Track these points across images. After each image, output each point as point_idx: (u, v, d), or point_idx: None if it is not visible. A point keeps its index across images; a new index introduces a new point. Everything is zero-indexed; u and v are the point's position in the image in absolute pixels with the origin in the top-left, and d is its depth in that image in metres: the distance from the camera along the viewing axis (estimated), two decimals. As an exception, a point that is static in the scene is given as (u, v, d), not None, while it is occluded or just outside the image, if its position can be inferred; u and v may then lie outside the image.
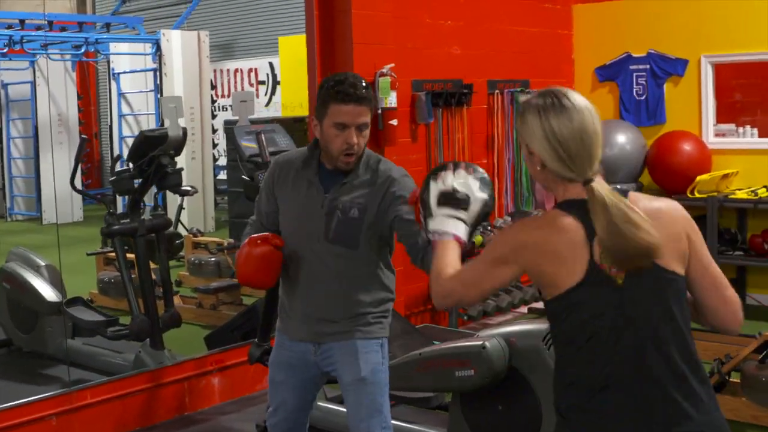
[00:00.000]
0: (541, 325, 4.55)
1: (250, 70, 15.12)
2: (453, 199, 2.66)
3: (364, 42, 6.35)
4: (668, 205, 2.38)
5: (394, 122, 6.41)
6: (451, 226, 2.61)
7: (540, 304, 7.78)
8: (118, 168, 6.24)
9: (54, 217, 13.36)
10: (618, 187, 2.53)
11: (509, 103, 7.80)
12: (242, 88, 15.20)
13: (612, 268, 2.25)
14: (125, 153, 6.57)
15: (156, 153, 5.82)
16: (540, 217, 2.41)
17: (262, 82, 14.90)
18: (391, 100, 6.38)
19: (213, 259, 8.91)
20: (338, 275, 3.40)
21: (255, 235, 3.43)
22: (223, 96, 15.41)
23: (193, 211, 12.45)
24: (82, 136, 7.33)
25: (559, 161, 2.31)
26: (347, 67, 6.30)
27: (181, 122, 6.01)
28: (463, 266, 2.50)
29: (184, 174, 12.63)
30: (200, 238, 9.30)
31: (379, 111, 6.35)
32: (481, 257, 2.41)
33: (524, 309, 7.74)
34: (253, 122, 8.67)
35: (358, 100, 3.24)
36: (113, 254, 6.66)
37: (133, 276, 6.11)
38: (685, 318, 2.33)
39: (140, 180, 5.94)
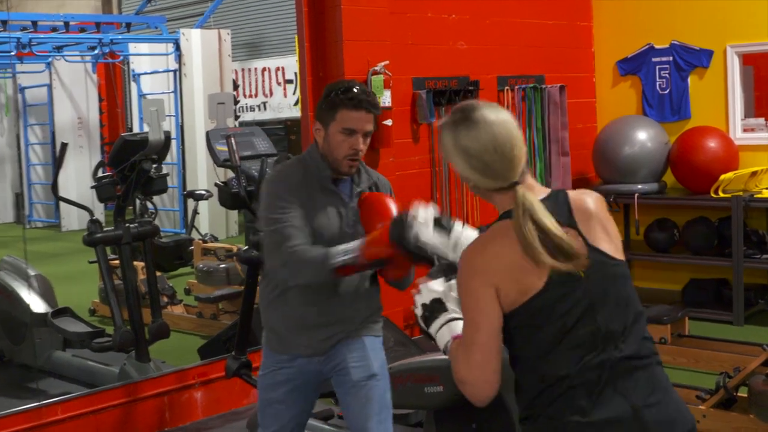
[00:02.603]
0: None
1: (277, 69, 15.12)
2: (441, 305, 2.64)
3: (356, 39, 6.28)
4: (598, 198, 2.52)
5: (389, 122, 6.34)
6: (453, 331, 2.57)
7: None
8: (101, 174, 6.24)
9: (73, 224, 13.53)
10: (557, 189, 2.53)
11: (521, 100, 7.66)
12: (270, 88, 15.23)
13: (567, 263, 2.34)
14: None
15: (137, 158, 5.83)
16: (481, 236, 2.48)
17: (290, 81, 14.89)
18: (385, 99, 6.30)
19: (222, 266, 8.87)
20: (351, 281, 3.51)
21: None
22: (250, 96, 15.44)
23: (215, 216, 12.51)
24: (63, 141, 7.32)
25: (478, 173, 2.42)
26: (338, 65, 6.24)
27: (165, 126, 6.01)
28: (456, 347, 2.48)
29: (203, 177, 12.71)
30: (210, 244, 9.28)
31: (372, 111, 6.26)
32: (465, 324, 2.42)
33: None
34: (262, 124, 8.62)
35: (368, 107, 3.41)
36: (116, 262, 6.70)
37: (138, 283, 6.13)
38: (636, 299, 2.47)
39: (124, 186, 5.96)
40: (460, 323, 2.50)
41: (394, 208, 3.44)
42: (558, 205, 2.42)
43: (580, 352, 2.36)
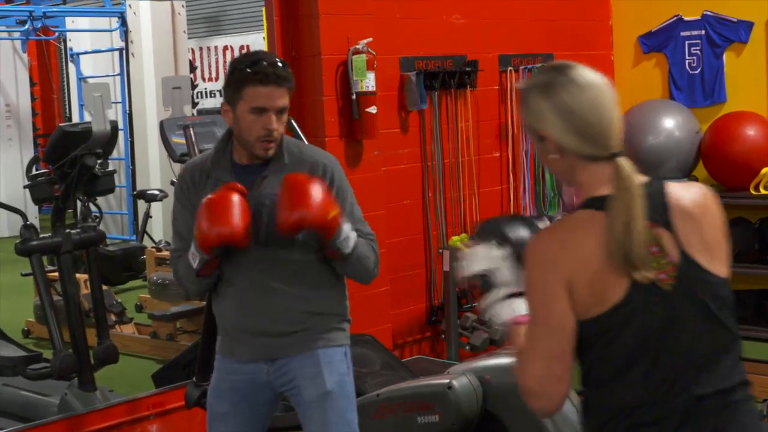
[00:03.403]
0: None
1: (241, 48, 15.13)
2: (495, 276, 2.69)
3: (334, 12, 6.34)
4: (713, 205, 2.54)
5: (373, 110, 6.38)
6: (514, 311, 2.62)
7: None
8: (35, 171, 6.27)
9: (2, 230, 13.54)
10: (655, 178, 2.53)
11: (527, 83, 7.73)
12: (233, 69, 15.25)
13: (660, 273, 2.36)
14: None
15: (79, 152, 5.87)
16: (558, 223, 2.52)
17: (257, 61, 14.93)
18: (369, 82, 6.35)
19: (179, 278, 8.91)
20: (283, 282, 3.59)
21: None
22: (209, 79, 15.47)
23: (170, 220, 12.52)
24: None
25: (577, 136, 2.45)
26: (313, 43, 6.30)
27: (110, 114, 6.05)
28: (519, 352, 2.52)
29: (155, 175, 12.75)
30: (165, 253, 9.31)
31: (354, 96, 6.33)
32: (529, 323, 2.46)
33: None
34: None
35: (277, 80, 3.48)
36: (55, 274, 6.73)
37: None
38: (731, 317, 2.47)
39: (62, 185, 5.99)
40: (520, 302, 2.55)
41: (316, 201, 3.41)
42: (653, 196, 2.43)
43: (656, 380, 2.38)
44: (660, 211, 2.41)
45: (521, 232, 2.74)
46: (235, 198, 3.43)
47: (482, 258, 2.68)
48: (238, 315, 3.68)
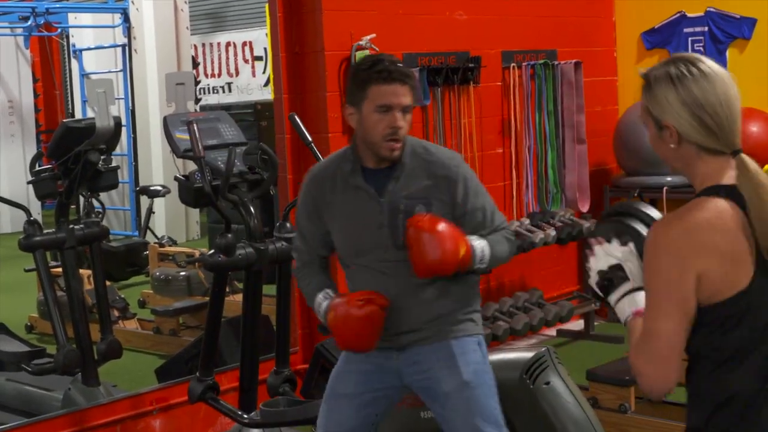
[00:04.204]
0: (523, 354, 4.52)
1: (244, 44, 15.18)
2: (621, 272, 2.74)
3: (337, 8, 6.35)
4: None
5: (376, 105, 6.38)
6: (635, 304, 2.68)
7: (570, 325, 7.73)
8: (39, 167, 6.28)
9: (6, 226, 13.56)
10: None
11: (530, 79, 7.74)
12: (235, 66, 15.29)
13: None
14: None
15: (82, 148, 5.88)
16: (683, 210, 2.52)
17: (259, 58, 14.94)
18: (372, 78, 6.34)
19: (182, 273, 8.91)
20: (418, 282, 3.65)
21: (355, 294, 3.64)
22: (212, 75, 15.50)
23: (173, 215, 12.56)
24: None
25: (704, 130, 2.49)
26: (316, 39, 6.31)
27: (113, 110, 6.06)
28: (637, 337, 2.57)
29: (158, 171, 12.77)
30: (167, 249, 9.34)
31: (357, 92, 6.33)
32: (649, 308, 2.50)
33: (549, 331, 7.69)
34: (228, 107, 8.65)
35: (401, 77, 3.55)
36: (58, 270, 6.74)
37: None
38: None
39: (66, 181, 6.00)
40: (642, 294, 2.59)
41: (441, 241, 3.51)
42: None
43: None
44: None
45: (639, 226, 2.86)
46: (377, 317, 3.57)
47: (607, 256, 2.73)
48: None
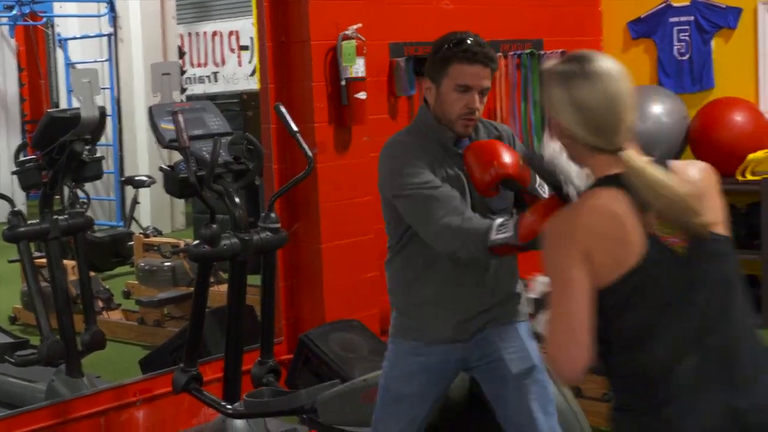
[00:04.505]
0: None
1: (230, 33, 15.10)
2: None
3: (323, -3, 6.33)
4: (704, 169, 2.71)
5: (362, 95, 6.37)
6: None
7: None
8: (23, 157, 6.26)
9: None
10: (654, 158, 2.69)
11: (515, 69, 7.72)
12: (221, 55, 15.22)
13: (672, 237, 2.54)
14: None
15: (67, 138, 5.86)
16: (575, 203, 2.73)
17: (245, 47, 14.88)
18: (358, 68, 6.34)
19: (167, 264, 8.86)
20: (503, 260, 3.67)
21: None
22: (198, 65, 15.43)
23: (158, 206, 12.52)
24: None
25: (588, 129, 2.59)
26: (302, 29, 6.29)
27: (98, 100, 6.03)
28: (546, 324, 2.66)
29: (144, 161, 12.71)
30: (152, 239, 9.31)
31: (343, 82, 6.32)
32: (551, 295, 2.59)
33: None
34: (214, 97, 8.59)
35: (485, 59, 3.55)
36: (42, 260, 6.72)
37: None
38: (744, 283, 2.66)
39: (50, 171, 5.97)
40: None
41: (504, 154, 3.45)
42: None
43: (677, 340, 2.54)
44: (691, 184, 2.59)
45: None
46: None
47: (541, 284, 2.85)
48: (449, 290, 3.68)
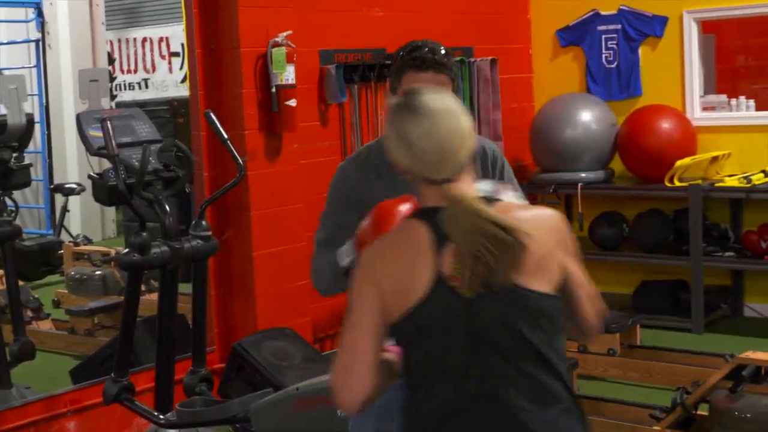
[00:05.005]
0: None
1: (160, 40, 14.99)
2: None
3: (253, 4, 6.30)
4: (541, 216, 2.62)
5: (292, 103, 6.35)
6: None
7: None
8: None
9: None
10: (487, 194, 2.65)
11: (446, 76, 7.73)
12: (152, 62, 15.11)
13: (463, 279, 2.46)
14: None
15: (-7, 146, 5.80)
16: (384, 235, 2.71)
17: (176, 54, 14.79)
18: (288, 75, 6.32)
19: (98, 273, 8.79)
20: None
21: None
22: (128, 71, 15.30)
23: (88, 214, 12.38)
24: None
25: (411, 161, 2.58)
26: (233, 35, 6.26)
27: (26, 107, 5.96)
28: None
29: (73, 168, 12.54)
30: (82, 248, 9.22)
31: (273, 89, 6.30)
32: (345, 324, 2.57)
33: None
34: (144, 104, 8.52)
35: (437, 66, 3.43)
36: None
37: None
38: (543, 338, 2.51)
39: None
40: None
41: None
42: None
43: (450, 385, 2.48)
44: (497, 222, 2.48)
45: None
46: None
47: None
48: None
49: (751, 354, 5.13)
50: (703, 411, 5.32)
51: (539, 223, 2.57)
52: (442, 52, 3.50)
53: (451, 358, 2.48)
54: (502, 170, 3.65)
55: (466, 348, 2.47)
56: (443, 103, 2.61)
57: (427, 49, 3.46)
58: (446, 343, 2.49)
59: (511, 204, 2.65)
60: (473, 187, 2.59)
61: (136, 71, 15.11)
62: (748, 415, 4.95)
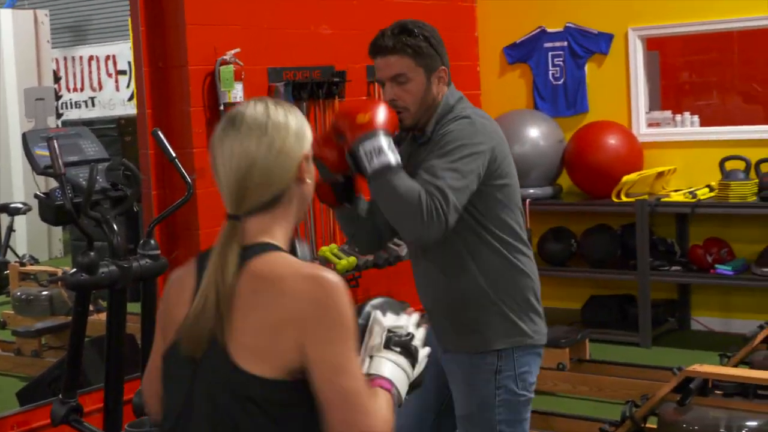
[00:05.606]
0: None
1: (107, 58, 14.94)
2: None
3: (201, 22, 6.28)
4: (292, 286, 2.21)
5: (241, 120, 6.32)
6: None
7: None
8: None
9: None
10: (263, 242, 2.37)
11: (395, 93, 7.75)
12: (98, 80, 15.03)
13: (183, 335, 2.31)
14: None
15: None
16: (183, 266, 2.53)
17: (123, 72, 14.73)
18: (236, 93, 6.31)
19: (44, 293, 8.69)
20: (429, 264, 3.50)
21: None
22: (74, 89, 15.20)
23: (35, 233, 12.26)
24: None
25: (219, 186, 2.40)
26: (180, 53, 6.23)
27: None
28: None
29: (19, 188, 12.46)
30: (29, 268, 9.12)
31: (221, 107, 6.28)
32: None
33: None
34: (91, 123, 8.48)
35: (382, 51, 3.40)
36: None
37: None
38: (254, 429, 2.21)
39: None
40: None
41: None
42: (230, 266, 2.29)
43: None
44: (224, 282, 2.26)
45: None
46: None
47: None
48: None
49: (698, 367, 5.17)
50: (651, 424, 5.34)
51: (286, 288, 2.19)
52: (396, 32, 3.40)
53: (175, 414, 2.33)
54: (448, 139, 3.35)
55: (179, 415, 2.31)
56: (256, 123, 2.31)
57: (382, 34, 3.43)
58: (174, 399, 2.33)
59: (281, 261, 2.28)
60: (250, 234, 2.33)
61: (82, 89, 15.04)
62: (696, 428, 4.97)
